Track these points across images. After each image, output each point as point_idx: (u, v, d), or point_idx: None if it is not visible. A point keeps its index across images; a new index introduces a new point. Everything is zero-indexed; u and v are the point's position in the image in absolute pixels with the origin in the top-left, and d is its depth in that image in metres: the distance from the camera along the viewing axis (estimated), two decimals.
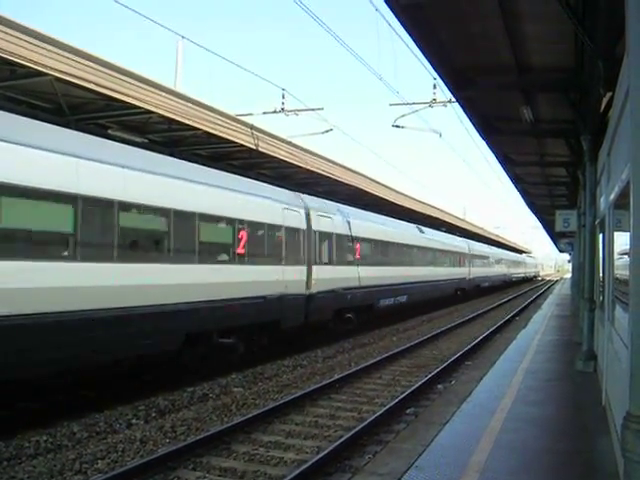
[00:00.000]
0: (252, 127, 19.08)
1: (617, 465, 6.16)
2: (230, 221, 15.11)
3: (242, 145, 18.99)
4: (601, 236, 11.33)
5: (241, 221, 15.40)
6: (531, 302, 43.39)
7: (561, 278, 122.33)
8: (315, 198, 21.50)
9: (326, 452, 8.33)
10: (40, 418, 10.08)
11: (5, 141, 9.43)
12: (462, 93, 11.74)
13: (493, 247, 64.25)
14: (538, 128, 14.12)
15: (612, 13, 6.18)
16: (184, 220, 13.19)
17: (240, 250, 15.31)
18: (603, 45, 7.40)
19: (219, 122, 17.46)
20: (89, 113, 15.58)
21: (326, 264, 20.26)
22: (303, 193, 20.64)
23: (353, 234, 22.77)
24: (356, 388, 13.44)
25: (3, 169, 9.33)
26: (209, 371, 14.21)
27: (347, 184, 27.12)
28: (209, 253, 14.32)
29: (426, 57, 9.71)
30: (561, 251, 51.87)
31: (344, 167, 26.35)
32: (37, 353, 9.63)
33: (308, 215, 19.19)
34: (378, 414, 10.44)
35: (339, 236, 21.48)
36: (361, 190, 28.91)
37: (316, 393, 12.52)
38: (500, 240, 73.65)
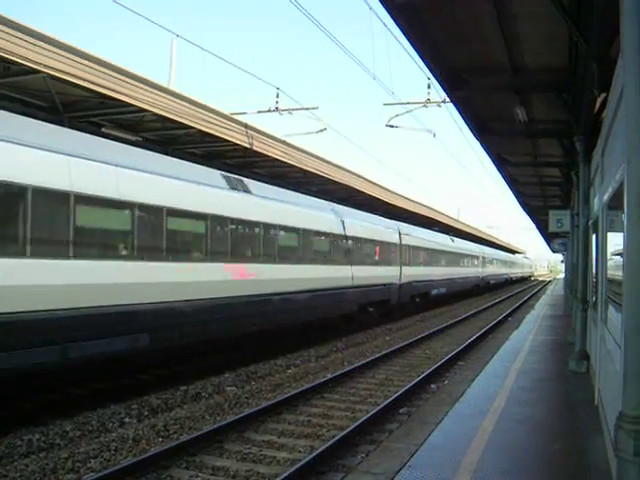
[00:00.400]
0: (246, 126, 19.08)
1: (610, 465, 6.17)
2: (374, 242, 26.44)
3: (236, 144, 18.99)
4: (594, 236, 11.35)
5: (379, 242, 27.03)
6: (523, 303, 43.48)
7: (554, 278, 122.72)
8: (404, 224, 32.93)
9: (319, 451, 8.33)
10: (32, 417, 10.05)
11: None
12: (456, 93, 11.75)
13: (498, 250, 74.22)
14: (532, 128, 14.14)
15: (606, 14, 6.19)
16: (356, 241, 24.17)
17: (378, 257, 26.74)
18: (597, 46, 7.41)
19: (213, 121, 17.45)
20: (83, 111, 15.55)
21: (407, 265, 30.53)
22: (298, 192, 21.98)
23: (419, 245, 34.07)
24: (349, 387, 13.45)
25: None
26: (202, 370, 14.20)
27: (340, 183, 27.17)
28: (368, 260, 25.41)
29: (420, 57, 9.71)
30: (554, 251, 51.94)
31: (338, 166, 26.41)
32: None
33: (400, 235, 30.12)
34: (371, 413, 10.46)
35: (414, 247, 32.67)
36: (354, 189, 28.97)
37: (309, 392, 12.52)
38: (498, 242, 79.11)
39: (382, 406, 11.02)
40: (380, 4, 7.68)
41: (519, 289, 72.36)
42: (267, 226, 16.82)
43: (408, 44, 9.06)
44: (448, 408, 9.46)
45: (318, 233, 20.66)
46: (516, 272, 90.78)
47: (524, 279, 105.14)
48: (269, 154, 20.76)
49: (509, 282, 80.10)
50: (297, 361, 16.67)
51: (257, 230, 16.39)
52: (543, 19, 8.24)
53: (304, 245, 19.42)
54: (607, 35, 6.90)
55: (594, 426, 8.25)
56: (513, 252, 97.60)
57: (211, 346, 15.42)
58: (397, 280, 28.65)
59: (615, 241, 7.25)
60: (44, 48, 11.81)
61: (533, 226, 51.56)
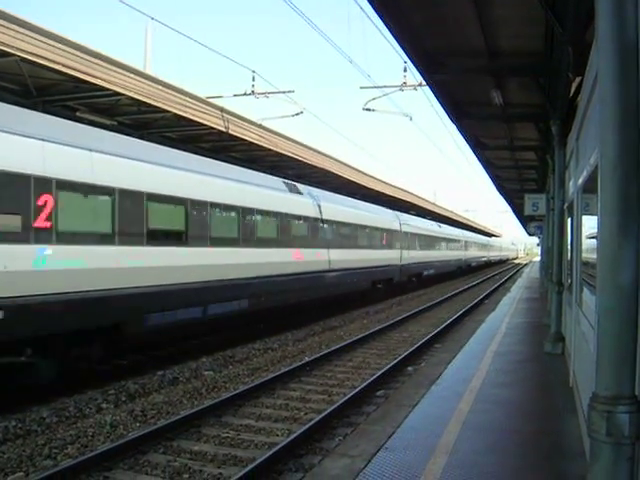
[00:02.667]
0: (222, 109, 18.98)
1: (583, 445, 6.26)
2: (384, 230, 31.59)
3: (212, 128, 18.91)
4: (569, 220, 11.44)
5: (386, 229, 32.02)
6: (500, 285, 43.78)
7: (530, 261, 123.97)
8: (404, 214, 38.81)
9: (297, 434, 8.38)
10: (8, 403, 9.98)
11: None
12: (433, 76, 11.73)
13: (479, 235, 79.44)
14: (508, 112, 14.17)
15: None
16: (374, 230, 30.06)
17: (385, 243, 31.66)
18: (573, 30, 7.43)
19: (189, 104, 17.33)
20: (57, 95, 15.35)
21: (406, 249, 35.47)
22: (275, 176, 21.71)
23: (415, 232, 38.89)
24: (327, 371, 13.50)
25: None
26: (179, 355, 14.19)
27: (317, 167, 27.14)
28: (379, 245, 30.75)
29: (397, 40, 9.66)
30: (530, 234, 52.48)
31: (314, 150, 26.37)
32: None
33: (400, 224, 35.05)
34: (348, 396, 10.52)
35: (411, 234, 37.46)
36: (331, 173, 28.97)
37: (287, 376, 12.56)
38: (477, 226, 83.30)
39: (359, 389, 11.08)
40: None
41: (495, 272, 72.79)
42: (315, 220, 22.51)
43: (384, 27, 9.02)
44: (425, 390, 9.53)
45: (371, 229, 29.68)
46: (495, 255, 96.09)
47: (502, 262, 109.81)
48: (245, 138, 20.69)
49: (489, 264, 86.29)
50: (275, 345, 16.69)
51: (306, 223, 21.79)
52: (520, 3, 8.25)
53: (337, 235, 25.05)
54: (582, 19, 6.92)
55: (569, 407, 8.35)
56: (490, 235, 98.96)
57: (189, 330, 15.36)
58: (399, 262, 33.79)
59: (590, 224, 7.32)
60: (16, 31, 11.63)
61: (509, 209, 51.85)
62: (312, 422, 8.99)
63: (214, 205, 15.55)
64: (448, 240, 52.31)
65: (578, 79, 8.45)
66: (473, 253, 67.19)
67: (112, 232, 11.99)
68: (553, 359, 12.18)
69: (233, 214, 16.63)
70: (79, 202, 11.32)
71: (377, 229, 30.52)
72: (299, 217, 21.02)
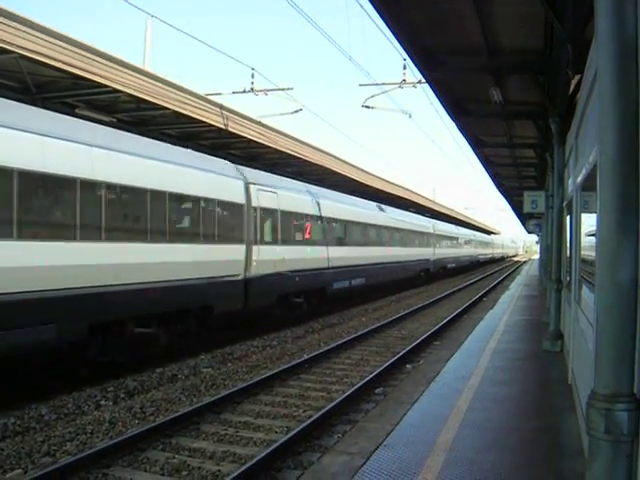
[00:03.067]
0: (221, 107, 18.96)
1: (582, 442, 6.27)
2: (423, 233, 42.07)
3: (211, 125, 18.88)
4: (568, 217, 11.45)
5: (425, 233, 42.27)
6: (499, 283, 43.80)
7: (529, 259, 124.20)
8: (434, 220, 48.91)
9: (295, 432, 8.38)
10: (7, 400, 9.97)
11: None
12: (432, 74, 11.72)
13: (485, 235, 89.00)
14: (507, 110, 14.16)
15: None
16: (418, 233, 40.73)
17: (425, 241, 42.58)
18: (572, 28, 7.43)
19: (188, 101, 17.32)
20: (56, 92, 15.33)
21: (436, 248, 45.83)
22: (273, 173, 21.78)
23: (442, 234, 49.94)
24: (325, 368, 13.50)
25: None
26: (178, 352, 14.18)
27: (316, 164, 27.13)
28: (421, 244, 41.42)
29: (396, 38, 9.66)
30: (529, 232, 52.59)
31: (314, 147, 26.34)
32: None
33: (433, 228, 45.80)
34: (347, 394, 10.51)
35: (440, 235, 48.28)
36: (330, 170, 28.95)
37: (285, 373, 12.56)
38: (482, 226, 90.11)
39: (358, 386, 11.08)
40: None
41: (494, 269, 72.83)
42: (389, 229, 33.30)
43: (384, 25, 9.01)
44: (423, 388, 9.54)
45: (411, 231, 38.72)
46: (498, 252, 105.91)
47: (503, 258, 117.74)
48: (244, 135, 20.67)
49: (492, 260, 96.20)
50: (273, 342, 16.70)
51: (388, 231, 33.06)
52: (519, 1, 8.25)
53: (401, 237, 35.89)
54: (582, 17, 6.92)
55: (567, 405, 8.36)
56: (489, 233, 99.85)
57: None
58: (432, 257, 44.17)
59: (589, 222, 7.32)
60: (16, 28, 11.60)
61: (509, 207, 51.97)
62: (311, 419, 8.98)
63: (371, 225, 29.85)
64: (465, 240, 63.41)
65: (577, 77, 8.44)
66: (481, 251, 78.21)
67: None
68: (552, 357, 12.19)
69: (372, 229, 29.98)
70: None
71: (422, 233, 41.94)
72: (387, 227, 32.57)
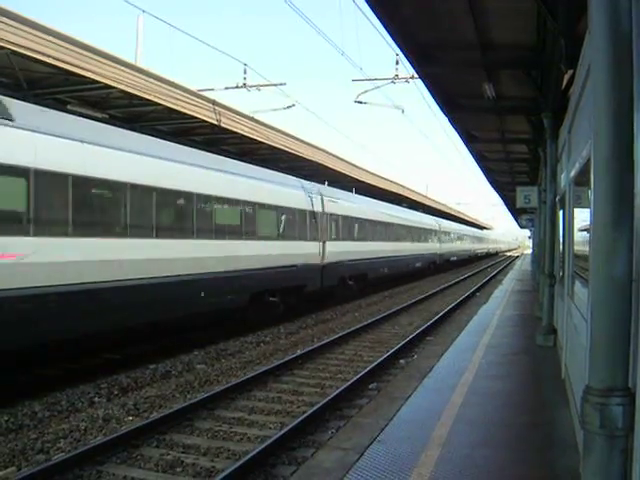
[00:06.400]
0: (214, 102, 18.94)
1: (576, 437, 6.29)
2: (431, 230, 47.84)
3: (204, 121, 18.87)
4: (561, 212, 11.47)
5: (430, 229, 47.65)
6: (492, 278, 43.90)
7: (522, 254, 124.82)
8: (439, 218, 54.11)
9: (289, 427, 8.37)
10: (0, 398, 9.94)
11: None
12: (425, 69, 11.71)
13: (482, 231, 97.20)
14: (500, 105, 14.16)
15: None
16: (425, 230, 46.00)
17: (432, 237, 47.88)
18: (565, 22, 7.42)
19: (180, 97, 17.29)
20: (48, 88, 15.27)
21: (441, 243, 50.97)
22: (267, 169, 21.64)
23: (446, 230, 55.51)
24: (319, 364, 13.50)
25: None
26: (171, 349, 14.17)
27: (309, 160, 27.12)
28: (428, 239, 47.12)
29: (389, 33, 9.63)
30: (522, 227, 52.80)
31: (306, 143, 26.34)
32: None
33: (439, 225, 51.18)
34: (341, 389, 10.52)
35: (444, 232, 53.55)
36: (323, 166, 28.95)
37: (279, 369, 12.56)
38: (478, 222, 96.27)
39: (351, 382, 11.08)
40: None
41: (488, 264, 73.13)
42: (416, 229, 41.67)
43: (376, 20, 8.99)
44: (417, 383, 9.55)
45: (424, 230, 44.68)
46: (492, 247, 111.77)
47: (497, 253, 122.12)
48: (237, 131, 20.66)
49: (488, 255, 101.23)
50: (267, 338, 16.69)
51: (404, 229, 38.36)
52: None
53: (418, 235, 42.30)
54: (575, 11, 6.91)
55: (561, 399, 8.39)
56: (482, 228, 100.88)
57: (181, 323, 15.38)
58: (438, 251, 49.37)
59: (582, 217, 7.33)
60: (6, 24, 11.55)
61: (501, 202, 52.11)
62: (305, 415, 8.98)
63: (397, 225, 36.03)
64: (465, 236, 70.27)
65: (570, 72, 8.44)
66: (479, 245, 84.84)
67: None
68: (545, 351, 12.23)
69: (397, 228, 35.79)
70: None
71: (431, 230, 47.65)
72: (406, 226, 38.29)
